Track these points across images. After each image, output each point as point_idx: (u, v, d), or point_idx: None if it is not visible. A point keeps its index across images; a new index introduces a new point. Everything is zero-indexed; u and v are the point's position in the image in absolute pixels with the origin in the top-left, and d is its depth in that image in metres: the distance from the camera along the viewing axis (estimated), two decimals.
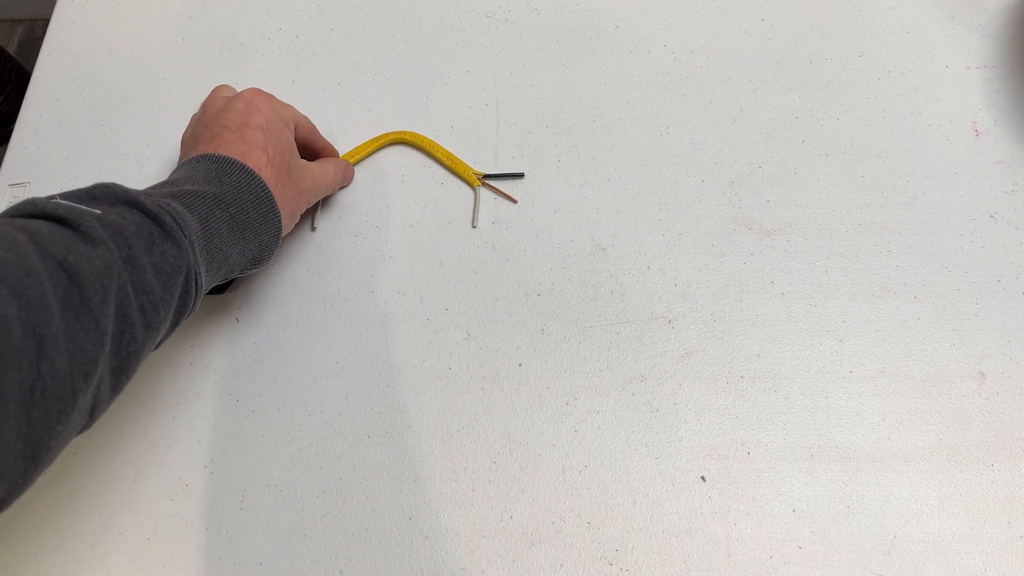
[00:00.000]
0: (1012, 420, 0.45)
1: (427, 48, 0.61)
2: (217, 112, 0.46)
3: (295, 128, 0.49)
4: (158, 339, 0.37)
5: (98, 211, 0.36)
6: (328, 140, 0.54)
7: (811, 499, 0.44)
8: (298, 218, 0.49)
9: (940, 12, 0.60)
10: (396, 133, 0.57)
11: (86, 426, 0.35)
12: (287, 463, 0.46)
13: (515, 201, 0.54)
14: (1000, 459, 0.44)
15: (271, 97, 0.47)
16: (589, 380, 0.47)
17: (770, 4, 0.61)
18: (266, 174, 0.43)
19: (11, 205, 0.36)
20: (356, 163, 0.56)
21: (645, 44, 0.60)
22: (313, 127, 0.52)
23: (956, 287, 0.49)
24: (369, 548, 0.44)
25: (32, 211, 0.34)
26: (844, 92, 0.57)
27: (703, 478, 0.44)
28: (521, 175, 0.54)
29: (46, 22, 0.65)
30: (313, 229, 0.54)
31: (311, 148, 0.52)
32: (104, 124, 0.59)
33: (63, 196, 0.36)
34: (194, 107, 0.59)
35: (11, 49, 1.60)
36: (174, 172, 0.43)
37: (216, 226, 0.40)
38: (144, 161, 0.57)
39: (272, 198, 0.43)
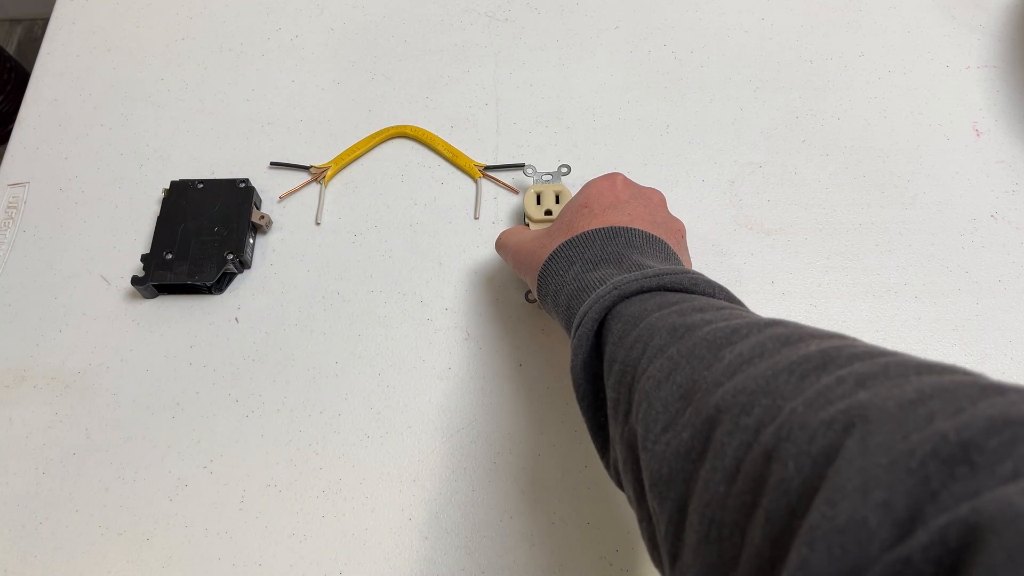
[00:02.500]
0: None
1: (427, 48, 0.61)
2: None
3: None
4: None
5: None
6: (328, 142, 0.54)
7: None
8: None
9: (940, 12, 0.60)
10: (396, 128, 0.57)
11: None
12: (287, 463, 0.46)
13: (516, 192, 0.54)
14: None
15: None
16: None
17: (770, 4, 0.61)
18: None
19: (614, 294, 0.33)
20: (357, 159, 0.56)
21: (645, 44, 0.60)
22: None
23: (957, 287, 0.49)
24: (369, 548, 0.43)
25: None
26: (844, 92, 0.57)
27: None
28: (522, 165, 0.54)
29: (46, 22, 0.65)
30: (318, 224, 0.54)
31: None
32: (104, 124, 0.59)
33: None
34: (194, 107, 0.59)
35: (11, 49, 1.60)
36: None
37: None
38: (144, 161, 0.57)
39: None
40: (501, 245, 0.47)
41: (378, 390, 0.48)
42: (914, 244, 0.51)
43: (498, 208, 0.54)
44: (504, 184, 0.55)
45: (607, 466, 0.34)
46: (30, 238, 0.55)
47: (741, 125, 0.56)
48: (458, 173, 0.56)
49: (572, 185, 0.54)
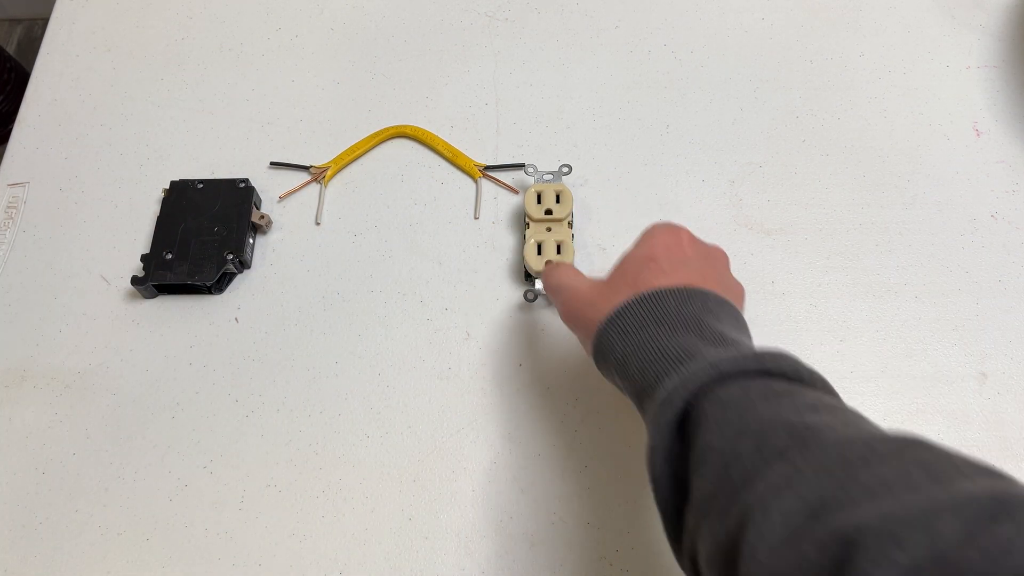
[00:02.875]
0: (1012, 420, 0.45)
1: (427, 48, 0.61)
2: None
3: None
4: None
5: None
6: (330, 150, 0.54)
7: None
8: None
9: (940, 12, 0.60)
10: (396, 127, 0.57)
11: None
12: (287, 463, 0.46)
13: (516, 192, 0.54)
14: (1000, 459, 0.44)
15: None
16: (589, 380, 0.47)
17: (770, 4, 0.61)
18: None
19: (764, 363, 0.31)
20: (357, 159, 0.56)
21: (645, 44, 0.60)
22: None
23: (957, 287, 0.49)
24: (369, 548, 0.43)
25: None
26: (844, 92, 0.57)
27: None
28: (522, 165, 0.54)
29: (46, 22, 0.65)
30: (318, 224, 0.54)
31: None
32: (104, 124, 0.59)
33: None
34: (194, 107, 0.59)
35: (11, 49, 1.60)
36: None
37: None
38: (143, 161, 0.57)
39: None
40: (553, 287, 0.42)
41: (378, 390, 0.48)
42: (914, 244, 0.51)
43: (498, 208, 0.54)
44: (504, 184, 0.55)
45: (677, 552, 0.31)
46: (30, 238, 0.55)
47: (741, 125, 0.56)
48: (458, 173, 0.56)
49: (573, 185, 0.54)
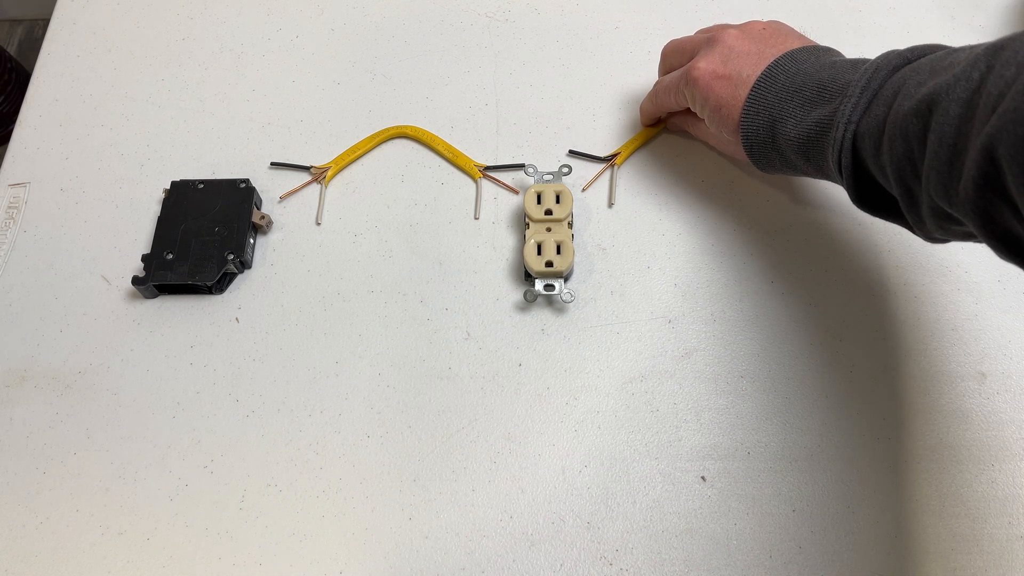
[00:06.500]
0: (1012, 420, 0.45)
1: (427, 48, 0.61)
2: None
3: None
4: None
5: None
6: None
7: (811, 499, 0.44)
8: None
9: (940, 12, 0.60)
10: (396, 128, 0.57)
11: None
12: (287, 463, 0.46)
13: (516, 192, 0.54)
14: (1000, 459, 0.44)
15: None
16: (589, 380, 0.47)
17: (770, 4, 0.61)
18: None
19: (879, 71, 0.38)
20: (357, 160, 0.56)
21: (645, 44, 0.60)
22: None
23: (956, 287, 0.49)
24: (369, 548, 0.44)
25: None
26: None
27: (703, 478, 0.44)
28: (522, 166, 0.54)
29: (46, 22, 0.65)
30: (318, 224, 0.54)
31: None
32: (104, 124, 0.59)
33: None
34: (194, 107, 0.60)
35: (11, 49, 1.61)
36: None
37: None
38: (144, 161, 0.57)
39: None
40: (695, 80, 0.47)
41: (378, 390, 0.48)
42: (914, 244, 0.51)
43: (498, 208, 0.54)
44: (504, 184, 0.55)
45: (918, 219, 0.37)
46: (31, 238, 0.55)
47: None
48: (458, 173, 0.56)
49: (573, 185, 0.54)
